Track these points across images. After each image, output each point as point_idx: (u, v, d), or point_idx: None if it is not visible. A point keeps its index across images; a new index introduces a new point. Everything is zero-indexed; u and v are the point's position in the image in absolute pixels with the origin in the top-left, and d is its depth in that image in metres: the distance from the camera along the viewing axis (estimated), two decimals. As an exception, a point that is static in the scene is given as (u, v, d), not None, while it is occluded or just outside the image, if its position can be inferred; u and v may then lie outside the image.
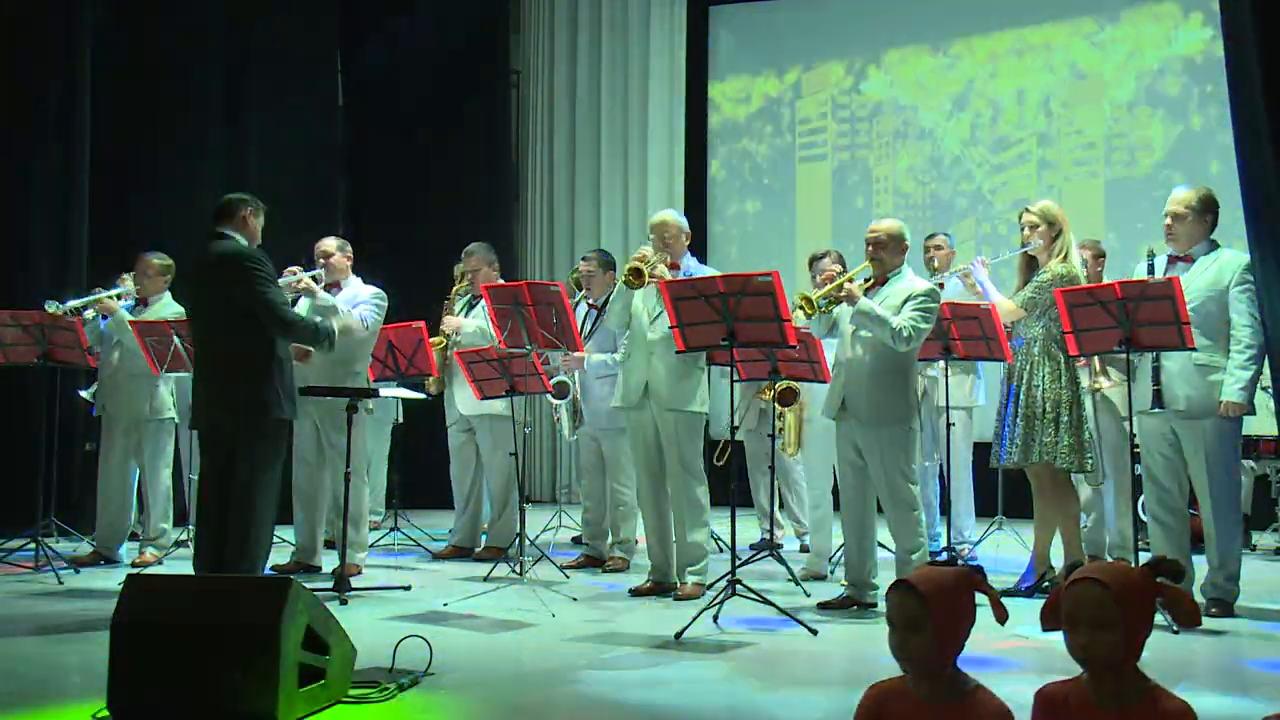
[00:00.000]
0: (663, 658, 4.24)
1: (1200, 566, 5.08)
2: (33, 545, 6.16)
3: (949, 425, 5.98)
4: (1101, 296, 4.77)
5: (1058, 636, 2.18)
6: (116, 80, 8.33)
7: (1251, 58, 4.64)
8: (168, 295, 6.77)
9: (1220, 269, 4.92)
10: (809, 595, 5.42)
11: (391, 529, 7.36)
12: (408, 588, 5.68)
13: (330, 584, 5.44)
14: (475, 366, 5.92)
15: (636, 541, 6.52)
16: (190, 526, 6.96)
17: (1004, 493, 7.49)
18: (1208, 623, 4.69)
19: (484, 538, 6.95)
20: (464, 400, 6.69)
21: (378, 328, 6.28)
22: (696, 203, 10.74)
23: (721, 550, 6.42)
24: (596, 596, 5.51)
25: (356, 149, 10.43)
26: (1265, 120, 4.61)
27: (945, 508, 6.67)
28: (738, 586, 4.83)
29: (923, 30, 10.08)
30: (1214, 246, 5.01)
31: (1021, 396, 5.28)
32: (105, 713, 3.30)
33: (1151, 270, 5.01)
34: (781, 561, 6.02)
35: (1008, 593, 5.24)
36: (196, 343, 5.24)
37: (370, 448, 7.00)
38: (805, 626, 4.62)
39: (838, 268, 5.71)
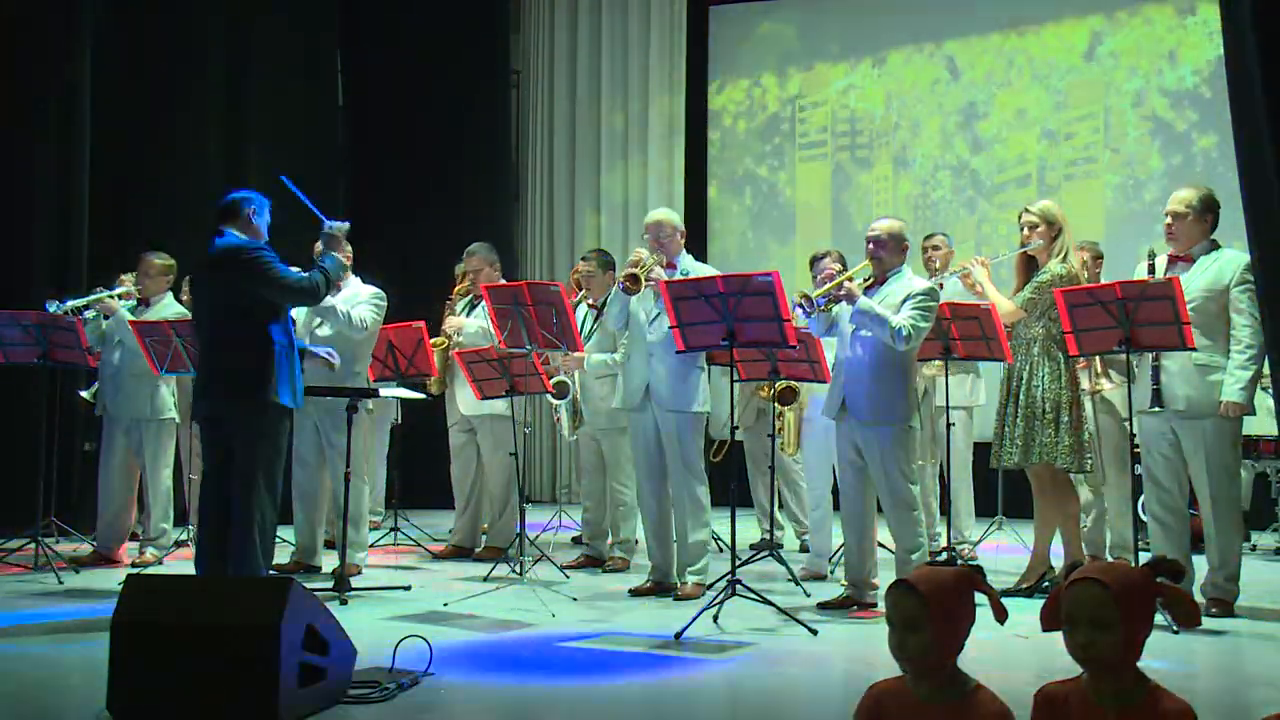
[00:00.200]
0: (663, 658, 4.24)
1: (1200, 566, 5.08)
2: (33, 545, 6.17)
3: (949, 425, 5.98)
4: (1101, 296, 4.77)
5: (1058, 636, 2.18)
6: (116, 80, 8.34)
7: (1252, 58, 4.63)
8: (169, 295, 6.79)
9: (1220, 269, 4.92)
10: (809, 595, 5.43)
11: (391, 529, 7.36)
12: (408, 588, 5.68)
13: (330, 584, 5.44)
14: (475, 366, 5.92)
15: (636, 541, 6.52)
16: (190, 526, 6.99)
17: (1004, 493, 7.49)
18: (1208, 623, 4.69)
19: (484, 538, 6.96)
20: (465, 401, 6.69)
21: (377, 328, 6.27)
22: (696, 203, 10.74)
23: (721, 550, 6.42)
24: (596, 596, 5.51)
25: (356, 149, 10.43)
26: (1265, 120, 4.60)
27: (945, 508, 6.67)
28: (738, 586, 4.83)
29: (923, 31, 10.07)
30: (1214, 246, 5.01)
31: (1021, 397, 5.28)
32: (106, 713, 3.30)
33: (1152, 270, 5.00)
34: (781, 561, 6.02)
35: (1008, 592, 5.25)
36: (199, 340, 5.26)
37: (368, 448, 7.01)
38: (805, 626, 4.62)
39: (838, 267, 5.72)
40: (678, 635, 4.49)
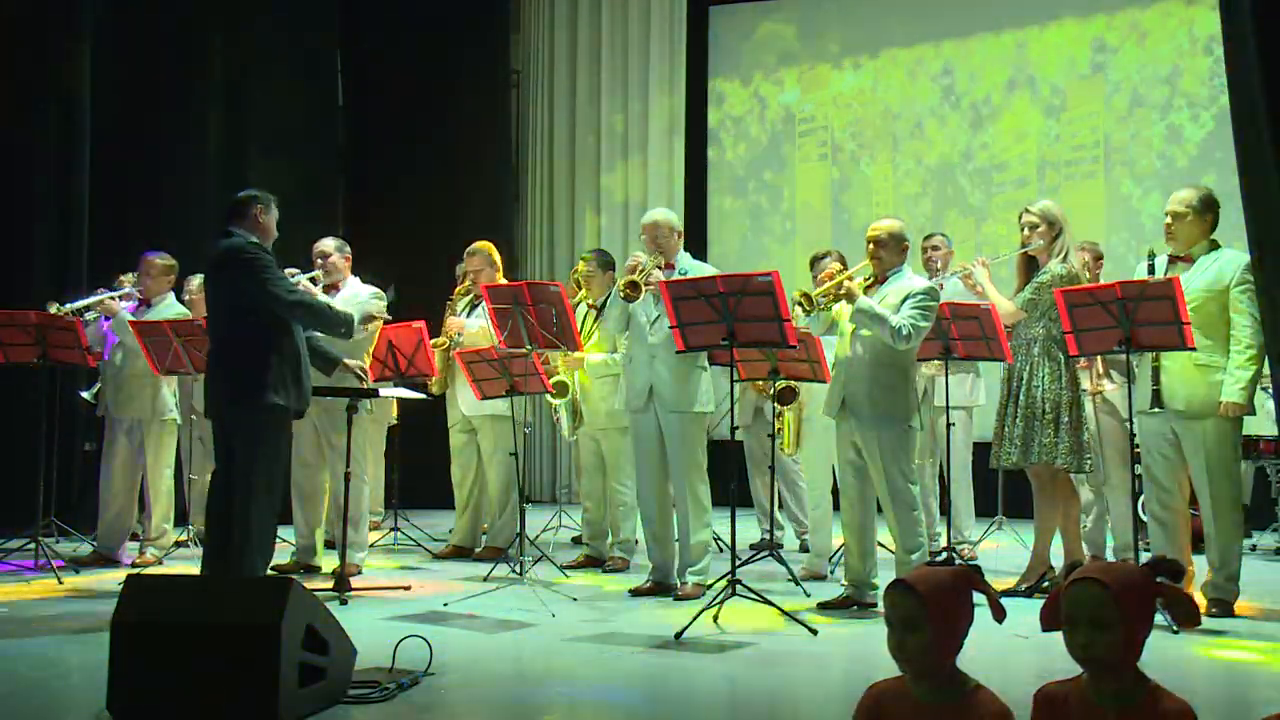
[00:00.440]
0: (663, 658, 4.24)
1: (1200, 566, 5.08)
2: (33, 545, 6.17)
3: (949, 425, 5.98)
4: (1101, 297, 4.77)
5: (1058, 636, 2.18)
6: (116, 80, 8.34)
7: (1252, 58, 4.63)
8: (171, 295, 6.80)
9: (1220, 269, 4.92)
10: (809, 595, 5.43)
11: (391, 529, 7.36)
12: (408, 588, 5.68)
13: (330, 584, 5.44)
14: (475, 366, 5.92)
15: (636, 541, 6.52)
16: (190, 527, 7.00)
17: (1004, 493, 7.50)
18: (1208, 623, 4.69)
19: (484, 538, 6.96)
20: (466, 401, 6.69)
21: (377, 328, 6.27)
22: (696, 203, 10.75)
23: (721, 550, 6.42)
24: (596, 596, 5.51)
25: (356, 149, 10.43)
26: (1266, 121, 4.60)
27: (945, 508, 6.68)
28: (738, 586, 4.83)
29: (923, 31, 10.08)
30: (1214, 246, 5.01)
31: (1021, 397, 5.28)
32: (106, 713, 3.30)
33: (1151, 270, 5.00)
34: (781, 561, 6.02)
35: (1008, 592, 5.25)
36: (208, 339, 5.29)
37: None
38: (805, 626, 4.62)
39: (838, 267, 5.72)
40: (678, 635, 4.48)
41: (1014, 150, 9.75)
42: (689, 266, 5.61)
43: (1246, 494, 7.04)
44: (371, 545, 6.64)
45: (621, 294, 5.39)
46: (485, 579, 5.83)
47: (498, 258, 7.00)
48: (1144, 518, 5.30)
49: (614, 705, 3.65)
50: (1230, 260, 4.93)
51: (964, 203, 9.90)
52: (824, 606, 5.12)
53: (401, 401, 6.92)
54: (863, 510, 5.14)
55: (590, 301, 6.66)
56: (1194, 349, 4.71)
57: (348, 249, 6.41)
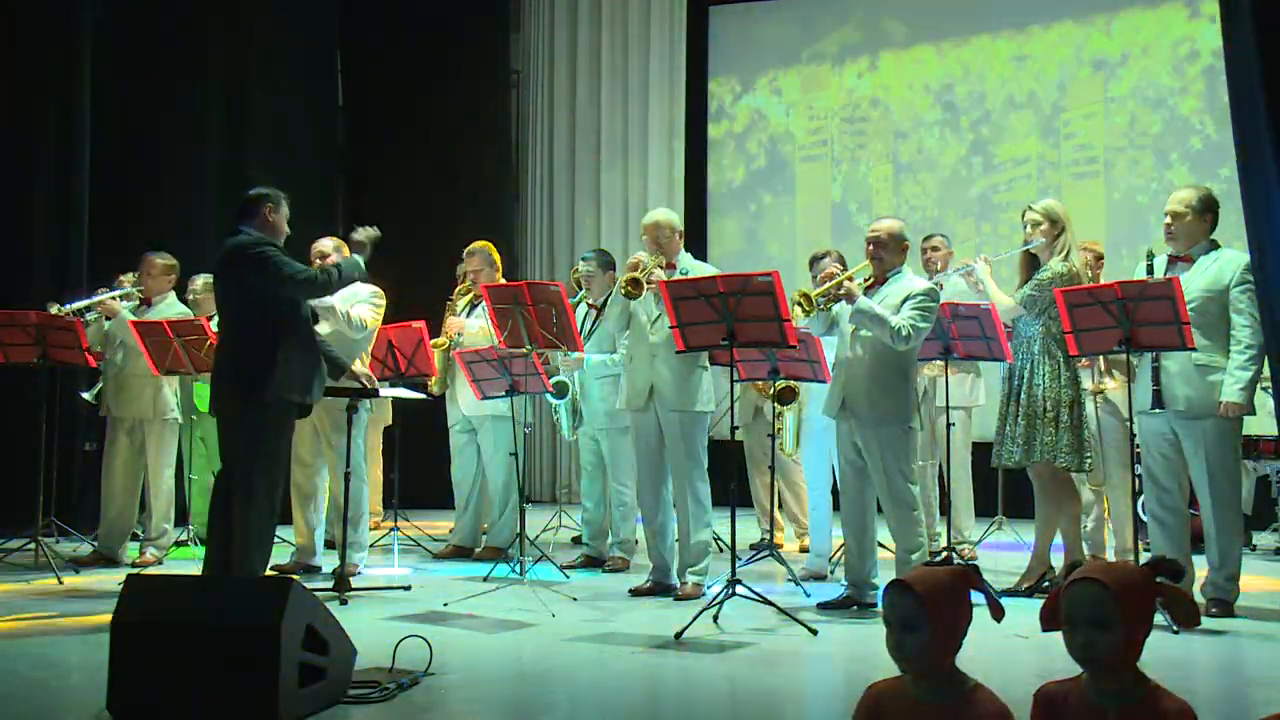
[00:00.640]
0: (663, 658, 4.24)
1: (1200, 566, 5.08)
2: (33, 545, 6.16)
3: (949, 425, 5.98)
4: (1101, 296, 4.77)
5: (1058, 636, 2.18)
6: (116, 80, 8.33)
7: (1252, 58, 4.63)
8: (172, 295, 6.80)
9: (1220, 269, 4.92)
10: (809, 595, 5.43)
11: (392, 529, 7.36)
12: (408, 588, 5.68)
13: (330, 584, 5.44)
14: (475, 366, 5.92)
15: (636, 541, 6.52)
16: (190, 527, 7.00)
17: (1004, 493, 7.50)
18: (1208, 623, 4.69)
19: (484, 538, 6.96)
20: (466, 401, 6.69)
21: (376, 326, 6.27)
22: (696, 202, 10.75)
23: (721, 550, 6.42)
24: (596, 596, 5.52)
25: (356, 149, 10.42)
26: (1266, 121, 4.60)
27: (945, 508, 6.68)
28: (737, 586, 4.83)
29: (924, 31, 10.08)
30: (1214, 246, 5.00)
31: (1022, 396, 5.28)
32: (106, 713, 3.30)
33: (1151, 270, 5.00)
34: (781, 561, 6.02)
35: (1008, 592, 5.25)
36: (218, 337, 5.31)
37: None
38: (805, 626, 4.62)
39: (838, 267, 5.72)
40: (678, 635, 4.48)
41: (1014, 150, 9.74)
42: (690, 267, 5.61)
43: (1247, 504, 7.03)
44: (371, 545, 6.64)
45: (623, 291, 5.39)
46: (485, 579, 5.83)
47: (498, 258, 7.00)
48: (1144, 518, 5.30)
49: (614, 705, 3.65)
50: (1230, 260, 4.93)
51: (964, 203, 9.90)
52: (824, 606, 5.12)
53: (402, 401, 6.91)
54: (863, 510, 5.14)
55: (590, 301, 6.66)
56: (1194, 349, 4.71)
57: (345, 249, 6.40)
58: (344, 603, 5.23)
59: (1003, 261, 5.94)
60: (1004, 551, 6.89)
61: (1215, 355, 4.85)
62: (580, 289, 6.89)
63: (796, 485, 6.96)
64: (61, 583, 5.79)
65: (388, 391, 5.93)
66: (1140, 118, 9.35)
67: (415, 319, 6.53)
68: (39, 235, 7.88)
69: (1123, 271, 6.75)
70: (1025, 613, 3.04)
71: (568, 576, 6.01)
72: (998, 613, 2.30)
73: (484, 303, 6.61)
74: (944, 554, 6.10)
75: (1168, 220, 5.03)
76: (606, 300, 6.04)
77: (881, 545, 5.37)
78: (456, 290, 7.19)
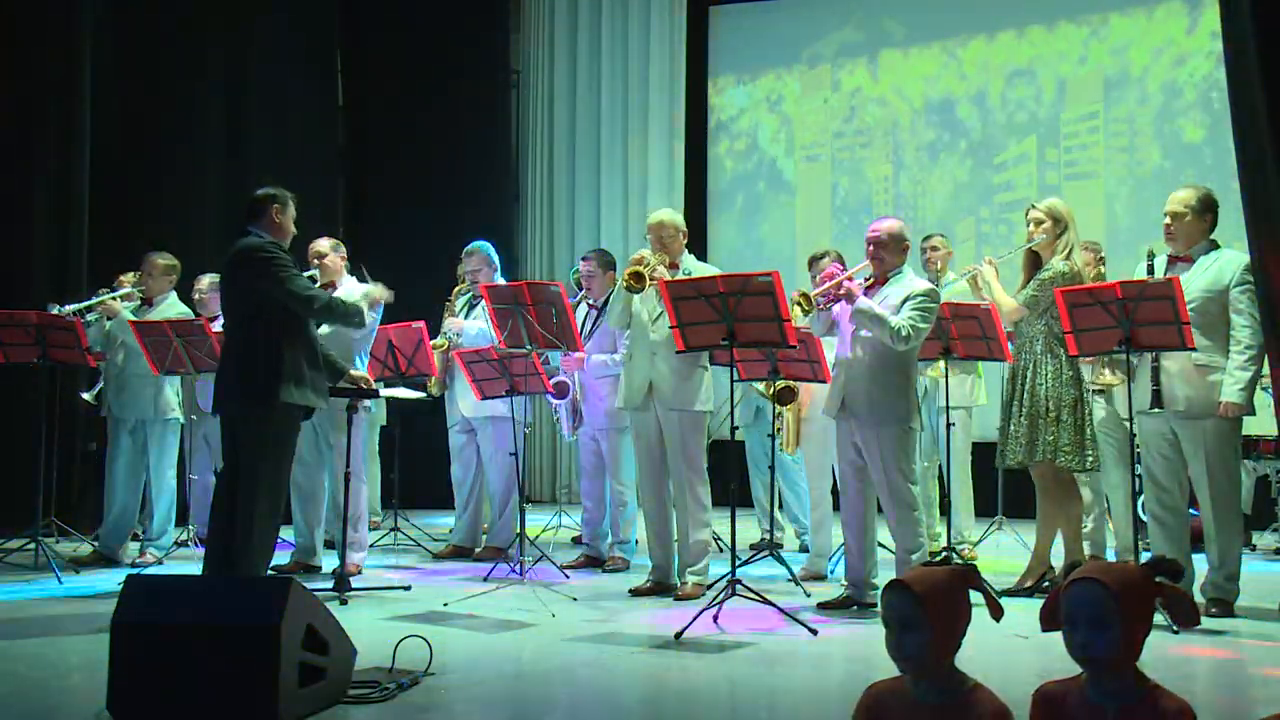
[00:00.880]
0: (663, 658, 4.24)
1: (1200, 566, 5.08)
2: (33, 545, 6.17)
3: (949, 425, 5.98)
4: (1101, 296, 4.77)
5: (1058, 636, 2.18)
6: (116, 80, 8.34)
7: (1252, 59, 4.63)
8: (173, 295, 6.80)
9: (1220, 269, 4.92)
10: (809, 595, 5.43)
11: (392, 529, 7.37)
12: (408, 588, 5.67)
13: (330, 584, 5.44)
14: (475, 366, 5.92)
15: (636, 541, 6.52)
16: (190, 527, 6.99)
17: (1004, 493, 7.49)
18: (1208, 623, 4.69)
19: (484, 538, 6.96)
20: (466, 401, 6.69)
21: (375, 326, 6.27)
22: (696, 202, 10.75)
23: (721, 550, 6.42)
24: (596, 596, 5.51)
25: (356, 149, 10.42)
26: (1266, 120, 4.60)
27: (945, 508, 6.68)
28: (738, 586, 4.83)
29: (924, 30, 10.08)
30: (1214, 246, 5.00)
31: (1025, 395, 5.28)
32: (106, 713, 3.30)
33: (1151, 270, 5.00)
34: (781, 561, 6.02)
35: (1008, 592, 5.25)
36: (224, 338, 5.32)
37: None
38: (805, 626, 4.62)
39: (838, 267, 5.71)
40: (678, 635, 4.48)
41: (1014, 150, 9.75)
42: (693, 268, 5.61)
43: (1247, 504, 7.03)
44: (371, 545, 6.64)
45: (625, 284, 5.39)
46: (485, 579, 5.83)
47: (496, 258, 7.00)
48: (1144, 518, 5.30)
49: (614, 705, 3.65)
50: (1230, 260, 4.93)
51: (964, 203, 9.90)
52: (824, 606, 5.12)
53: (401, 401, 6.91)
54: (863, 510, 5.14)
55: (591, 301, 6.66)
56: (1194, 349, 4.71)
57: (343, 249, 6.40)
58: (344, 603, 5.23)
59: (1005, 261, 5.94)
60: (1004, 552, 6.89)
61: (1215, 355, 4.85)
62: (580, 289, 6.89)
63: (797, 485, 6.95)
64: (61, 583, 5.79)
65: (388, 391, 5.93)
66: (1140, 118, 9.35)
67: (415, 319, 6.53)
68: (39, 235, 7.88)
69: (1122, 272, 6.75)
70: (1025, 613, 3.04)
71: (567, 576, 6.01)
72: (997, 613, 2.31)
73: (483, 303, 6.61)
74: (944, 554, 6.10)
75: (1167, 220, 5.03)
76: (607, 300, 6.03)
77: (881, 545, 5.37)
78: (455, 290, 7.19)
